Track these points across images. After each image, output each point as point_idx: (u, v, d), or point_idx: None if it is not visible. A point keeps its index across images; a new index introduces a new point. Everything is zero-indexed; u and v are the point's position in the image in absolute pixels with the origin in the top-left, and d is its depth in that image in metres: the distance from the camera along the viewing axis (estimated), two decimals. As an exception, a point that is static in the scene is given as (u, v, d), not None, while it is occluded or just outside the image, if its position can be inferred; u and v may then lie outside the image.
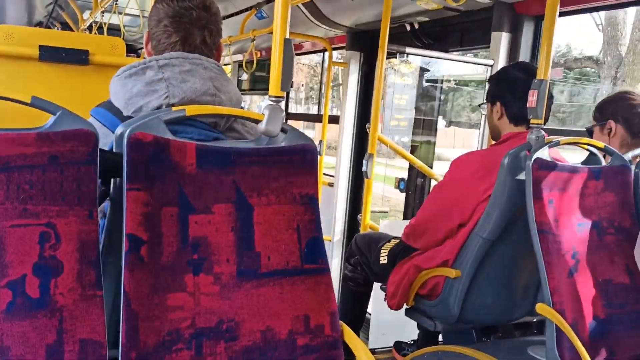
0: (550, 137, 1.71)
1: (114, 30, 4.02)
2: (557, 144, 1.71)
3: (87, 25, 4.75)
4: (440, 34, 3.37)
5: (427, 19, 3.26)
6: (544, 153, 1.65)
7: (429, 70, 3.88)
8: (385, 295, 2.13)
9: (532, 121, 1.69)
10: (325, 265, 1.30)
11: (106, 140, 1.27)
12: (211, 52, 1.49)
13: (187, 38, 1.43)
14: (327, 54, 4.06)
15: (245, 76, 6.00)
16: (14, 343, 1.00)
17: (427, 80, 3.93)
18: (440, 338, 2.30)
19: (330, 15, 3.70)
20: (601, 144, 1.79)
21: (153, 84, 1.34)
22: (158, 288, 1.12)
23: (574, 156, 1.95)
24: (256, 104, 7.59)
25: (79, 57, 2.15)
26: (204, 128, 1.34)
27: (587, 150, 1.83)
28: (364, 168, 2.72)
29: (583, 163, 1.81)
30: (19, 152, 1.03)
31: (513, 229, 1.80)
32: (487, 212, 1.80)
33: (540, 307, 1.58)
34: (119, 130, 1.17)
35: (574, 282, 1.59)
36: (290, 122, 4.34)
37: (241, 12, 4.31)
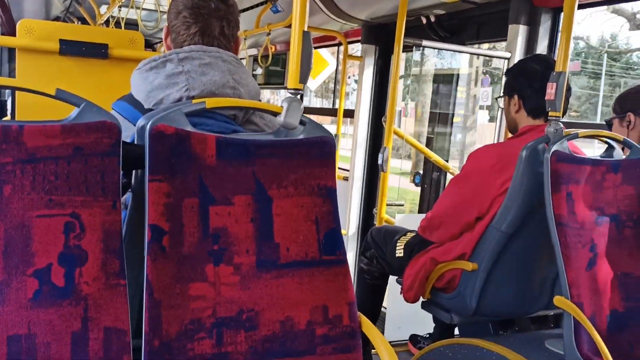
0: (568, 129, 1.70)
1: (131, 25, 4.05)
2: (576, 136, 1.70)
3: (105, 19, 4.79)
4: (457, 26, 3.35)
5: (443, 12, 3.24)
6: (562, 146, 1.64)
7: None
8: (401, 288, 2.14)
9: (550, 114, 1.68)
10: (343, 256, 1.31)
11: (128, 133, 1.29)
12: (229, 43, 1.51)
13: (205, 29, 1.46)
14: (342, 47, 4.06)
15: (259, 70, 6.02)
16: (41, 330, 1.02)
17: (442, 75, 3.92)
18: (456, 331, 2.31)
19: (346, 9, 3.69)
20: (620, 137, 1.78)
21: (173, 76, 1.35)
22: (180, 278, 1.14)
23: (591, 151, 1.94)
24: (266, 98, 7.61)
25: (98, 51, 2.17)
26: (223, 120, 1.35)
27: (606, 143, 1.81)
28: (379, 161, 2.72)
29: (602, 156, 1.80)
30: (44, 143, 1.06)
31: (531, 222, 1.79)
32: (505, 205, 1.80)
33: (558, 300, 1.58)
34: (140, 122, 1.19)
35: (593, 275, 1.59)
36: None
37: (256, 6, 4.31)
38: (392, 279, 2.44)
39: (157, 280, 1.11)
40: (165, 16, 1.56)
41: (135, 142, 1.20)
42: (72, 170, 1.07)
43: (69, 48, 2.13)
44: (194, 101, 1.24)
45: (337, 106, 4.12)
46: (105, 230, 1.09)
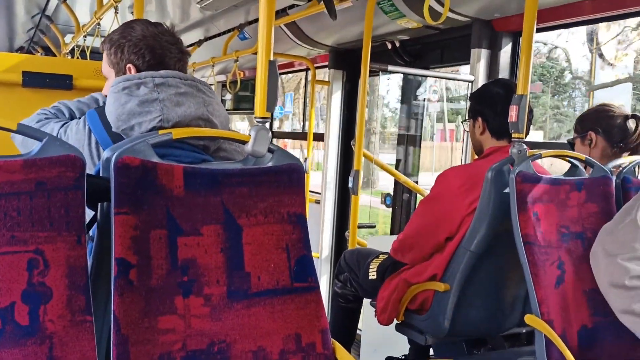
0: (532, 150, 1.74)
1: (96, 53, 4.02)
2: (539, 157, 1.74)
3: (69, 49, 4.74)
4: (421, 51, 3.43)
5: (407, 37, 3.31)
6: (526, 166, 1.67)
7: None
8: (375, 310, 2.14)
9: (513, 135, 1.72)
10: (315, 283, 1.30)
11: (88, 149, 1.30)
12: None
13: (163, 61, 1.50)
14: (310, 72, 4.10)
15: (229, 96, 6.02)
16: None
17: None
18: (431, 352, 2.31)
19: (312, 35, 3.74)
20: (582, 156, 1.83)
21: (147, 104, 1.34)
22: (148, 311, 1.12)
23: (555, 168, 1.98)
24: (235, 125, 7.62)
25: (62, 82, 2.15)
26: (192, 150, 1.35)
27: (569, 162, 1.86)
28: (350, 184, 2.73)
29: (565, 175, 1.85)
30: (5, 179, 1.03)
31: (499, 242, 1.82)
32: (473, 226, 1.82)
33: (529, 318, 1.60)
34: (105, 154, 1.17)
35: (561, 292, 1.61)
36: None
37: (224, 33, 4.33)
38: (366, 301, 2.44)
39: (125, 315, 1.09)
40: None
41: (100, 174, 1.18)
42: (34, 206, 1.05)
43: (32, 80, 2.10)
44: (160, 132, 1.23)
45: (307, 130, 4.15)
46: (70, 265, 1.06)
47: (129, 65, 1.49)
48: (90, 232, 1.23)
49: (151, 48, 1.48)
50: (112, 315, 1.08)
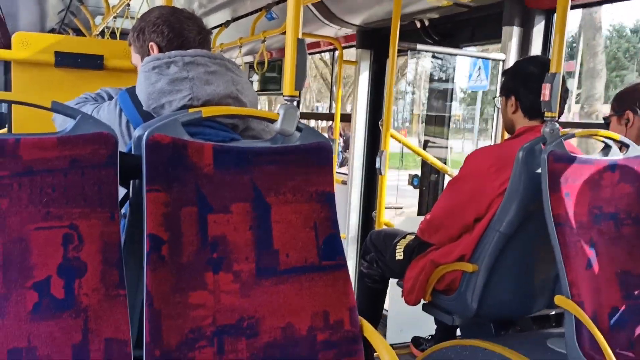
0: (565, 129, 1.71)
1: (126, 35, 4.06)
2: (572, 136, 1.70)
3: (100, 30, 4.79)
4: (451, 30, 3.37)
5: (437, 16, 3.25)
6: (559, 146, 1.64)
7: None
8: (402, 291, 2.14)
9: (546, 114, 1.69)
10: (342, 261, 1.31)
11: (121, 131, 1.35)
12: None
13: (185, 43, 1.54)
14: (337, 52, 4.07)
15: (256, 77, 6.02)
16: (41, 343, 1.02)
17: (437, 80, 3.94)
18: (458, 332, 2.30)
19: (340, 14, 3.70)
20: (617, 136, 1.78)
21: (177, 82, 1.35)
22: (179, 287, 1.14)
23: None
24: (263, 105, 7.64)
25: (94, 62, 2.18)
26: (221, 129, 1.35)
27: (603, 142, 1.82)
28: (377, 165, 2.72)
29: (599, 155, 1.81)
30: (41, 156, 1.06)
31: (530, 223, 1.79)
32: (503, 206, 1.80)
33: (559, 299, 1.58)
34: (137, 132, 1.19)
35: (593, 273, 1.59)
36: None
37: (251, 13, 4.31)
38: (392, 281, 2.44)
39: (157, 290, 1.11)
40: None
41: (132, 152, 1.20)
42: (69, 183, 1.07)
43: (64, 60, 2.13)
44: (190, 110, 1.25)
45: (334, 110, 4.13)
46: (104, 241, 1.09)
47: (151, 43, 1.54)
48: (123, 210, 1.25)
49: (169, 23, 1.54)
50: (144, 290, 1.11)
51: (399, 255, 2.24)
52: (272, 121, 1.31)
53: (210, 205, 1.20)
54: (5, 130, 2.43)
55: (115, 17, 4.04)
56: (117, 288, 1.08)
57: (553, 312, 2.13)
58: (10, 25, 6.71)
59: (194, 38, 1.55)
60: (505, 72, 2.13)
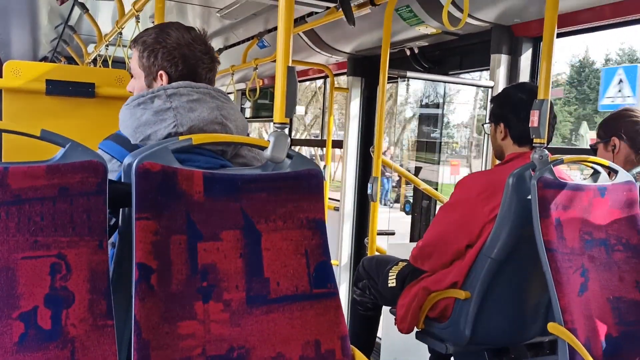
0: (554, 156, 1.72)
1: (118, 62, 4.08)
2: (561, 162, 1.71)
3: (92, 58, 4.81)
4: (440, 57, 3.41)
5: (426, 44, 3.30)
6: (548, 172, 1.65)
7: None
8: (395, 318, 2.12)
9: (535, 140, 1.70)
10: (334, 289, 1.30)
11: (114, 171, 1.29)
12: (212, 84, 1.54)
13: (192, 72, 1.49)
14: (328, 80, 4.11)
15: (248, 104, 6.06)
16: None
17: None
18: (451, 361, 2.28)
19: (331, 42, 3.75)
20: (606, 162, 1.80)
21: (161, 112, 1.36)
22: (168, 316, 1.12)
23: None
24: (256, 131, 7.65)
25: (85, 90, 2.18)
26: (211, 156, 1.35)
27: (592, 168, 1.83)
28: (369, 191, 2.72)
29: (588, 181, 1.82)
30: (30, 184, 1.05)
31: (521, 249, 1.79)
32: (494, 233, 1.80)
33: (552, 327, 1.57)
34: (127, 160, 1.19)
35: (585, 300, 1.58)
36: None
37: (243, 41, 4.37)
38: (385, 309, 2.42)
39: (146, 320, 1.09)
40: None
41: (122, 180, 1.20)
42: (57, 211, 1.06)
43: (55, 88, 2.14)
44: (180, 138, 1.25)
45: (325, 137, 4.15)
46: (92, 270, 1.07)
47: (161, 72, 1.48)
48: (112, 239, 1.24)
49: (185, 58, 1.48)
50: (132, 320, 1.09)
51: (392, 282, 2.22)
52: (263, 148, 1.31)
53: (200, 233, 1.19)
54: None
55: (107, 45, 4.07)
56: (105, 318, 1.07)
57: (547, 339, 2.11)
58: (3, 53, 6.74)
59: (205, 75, 1.51)
60: (493, 99, 2.15)
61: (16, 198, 1.04)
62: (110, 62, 4.14)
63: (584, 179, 1.87)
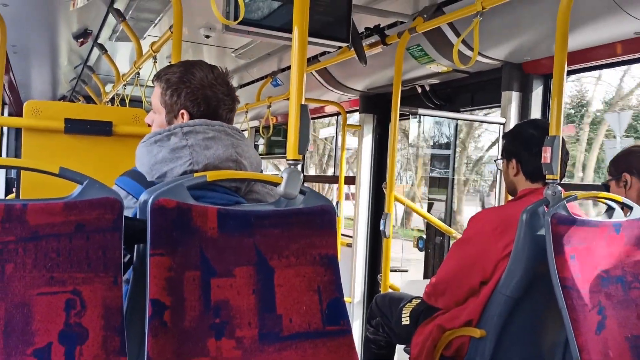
0: (567, 192, 1.72)
1: (135, 101, 4.17)
2: (575, 198, 1.71)
3: (110, 97, 4.93)
4: (451, 94, 3.45)
5: (437, 81, 3.34)
6: (562, 208, 1.65)
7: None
8: (409, 357, 2.09)
9: (547, 177, 1.70)
10: (347, 326, 1.29)
11: (130, 207, 1.31)
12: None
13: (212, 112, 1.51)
14: (341, 117, 4.16)
15: (261, 141, 6.14)
16: None
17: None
18: (467, 402, 2.23)
19: (343, 81, 3.81)
20: (619, 198, 1.79)
21: (177, 150, 1.39)
22: (181, 353, 1.12)
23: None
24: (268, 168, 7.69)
25: (103, 128, 2.22)
26: (225, 192, 1.37)
27: (606, 204, 1.82)
28: (381, 227, 2.72)
29: (602, 217, 1.81)
30: (47, 221, 1.07)
31: (536, 286, 1.77)
32: (509, 269, 1.78)
33: (569, 366, 1.54)
34: (142, 197, 1.20)
35: (603, 338, 1.55)
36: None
37: (257, 80, 4.46)
38: (399, 347, 2.38)
39: (158, 357, 1.09)
40: None
41: (137, 217, 1.21)
42: (73, 247, 1.08)
43: (74, 127, 2.18)
44: (195, 175, 1.27)
45: (337, 174, 4.17)
46: (106, 306, 1.08)
47: (182, 110, 1.50)
48: (126, 275, 1.25)
49: (207, 99, 1.50)
50: (145, 357, 1.09)
51: (406, 320, 2.20)
52: (276, 184, 1.32)
53: (213, 269, 1.20)
54: (13, 195, 2.45)
55: (125, 85, 4.17)
56: (118, 355, 1.07)
57: (565, 379, 2.06)
58: (23, 93, 6.92)
59: (226, 115, 1.53)
60: (505, 135, 2.16)
61: (33, 234, 1.06)
62: (127, 101, 4.23)
63: (598, 215, 1.86)
